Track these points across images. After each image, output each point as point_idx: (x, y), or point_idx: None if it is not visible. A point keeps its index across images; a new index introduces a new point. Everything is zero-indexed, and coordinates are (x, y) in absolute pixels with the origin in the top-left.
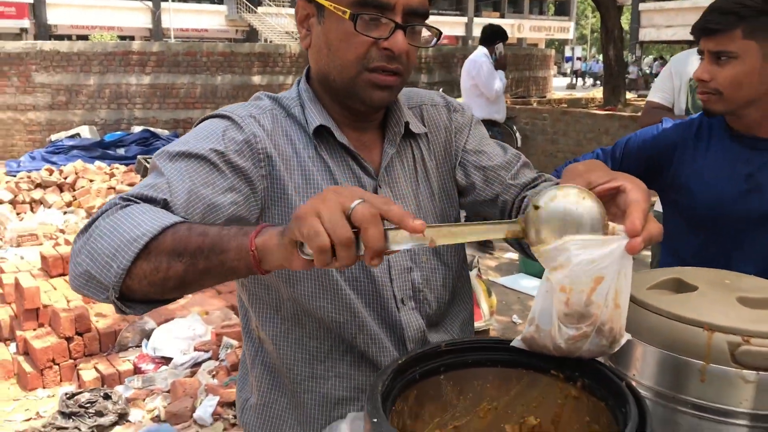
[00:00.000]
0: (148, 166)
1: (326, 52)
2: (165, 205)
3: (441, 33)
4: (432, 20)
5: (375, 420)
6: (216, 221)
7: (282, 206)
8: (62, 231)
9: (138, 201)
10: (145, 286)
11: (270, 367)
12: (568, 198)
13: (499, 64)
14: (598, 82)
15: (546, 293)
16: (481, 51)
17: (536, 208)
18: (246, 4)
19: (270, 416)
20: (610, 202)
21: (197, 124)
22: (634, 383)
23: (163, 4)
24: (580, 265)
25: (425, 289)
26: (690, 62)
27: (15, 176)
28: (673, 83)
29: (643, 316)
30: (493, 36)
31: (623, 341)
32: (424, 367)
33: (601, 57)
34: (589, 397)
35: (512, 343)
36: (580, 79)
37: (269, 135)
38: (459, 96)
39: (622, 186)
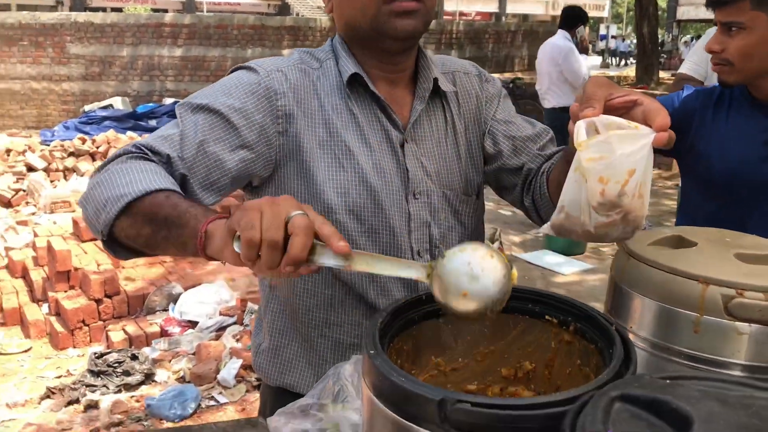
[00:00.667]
0: None
1: (346, 2)
2: (168, 160)
3: None
4: None
5: (372, 352)
6: (222, 178)
7: (298, 162)
8: None
9: (147, 152)
10: (124, 238)
11: (281, 313)
12: (475, 252)
13: (580, 47)
14: (625, 61)
15: (575, 183)
16: (562, 35)
17: (442, 257)
18: None
19: (282, 359)
20: (627, 114)
21: (228, 74)
22: (631, 335)
23: None
24: (620, 157)
25: (441, 245)
26: None
27: (49, 145)
28: (706, 56)
29: (641, 270)
30: (574, 19)
31: (642, 228)
32: (423, 309)
33: (629, 37)
34: (580, 340)
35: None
36: (614, 58)
37: (293, 89)
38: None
39: (639, 99)
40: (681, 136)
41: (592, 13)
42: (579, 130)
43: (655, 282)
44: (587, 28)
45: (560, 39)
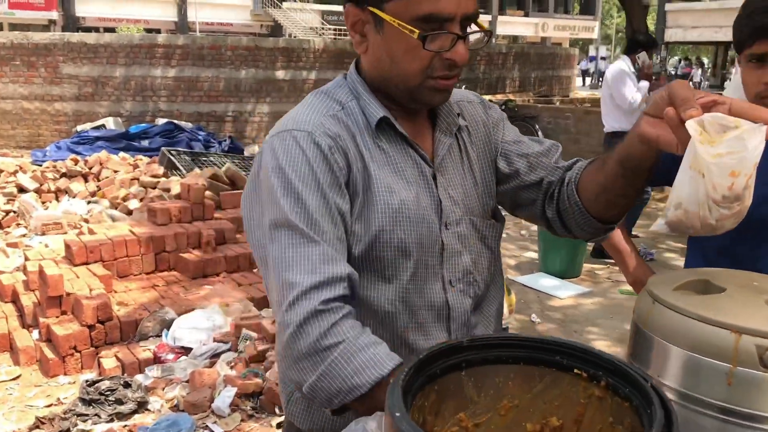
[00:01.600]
0: (171, 158)
1: (388, 62)
2: (349, 277)
3: (492, 32)
4: None
5: (397, 414)
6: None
7: (354, 206)
8: (86, 220)
9: (335, 300)
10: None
11: None
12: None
13: (642, 74)
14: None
15: (692, 179)
16: (623, 60)
17: None
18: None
19: (317, 408)
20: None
21: (278, 142)
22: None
23: None
24: (751, 151)
25: (474, 271)
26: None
27: (41, 165)
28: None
29: (668, 317)
30: (635, 45)
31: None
32: (445, 362)
33: (597, 57)
34: (612, 397)
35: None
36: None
37: (337, 140)
38: (485, 93)
39: (720, 99)
40: None
41: (582, 35)
42: (692, 129)
43: (684, 330)
44: (576, 50)
45: (618, 64)
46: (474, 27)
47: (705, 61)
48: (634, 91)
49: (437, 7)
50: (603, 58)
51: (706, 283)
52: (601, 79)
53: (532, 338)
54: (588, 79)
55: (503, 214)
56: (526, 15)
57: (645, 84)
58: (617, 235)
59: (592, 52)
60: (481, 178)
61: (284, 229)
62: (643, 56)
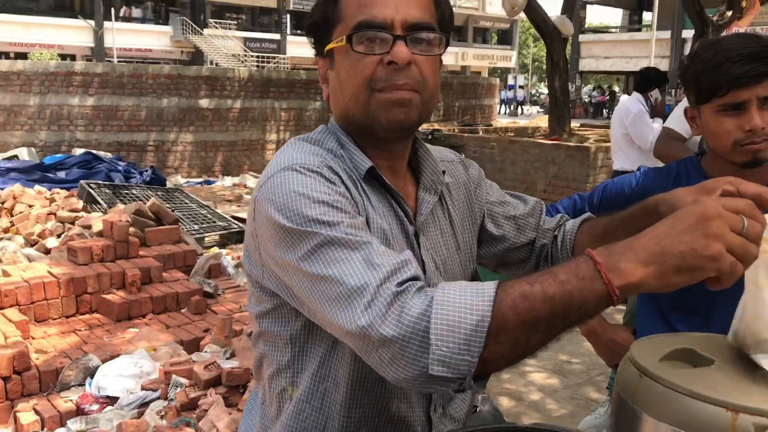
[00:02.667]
0: (91, 191)
1: (339, 90)
2: (410, 261)
3: (448, 39)
4: None
5: None
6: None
7: None
8: None
9: (409, 281)
10: (503, 364)
11: (292, 427)
12: None
13: (655, 111)
14: (521, 109)
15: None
16: (635, 97)
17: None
18: (192, 26)
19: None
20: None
21: (281, 179)
22: None
23: (106, 24)
24: None
25: None
26: None
27: None
28: None
29: (656, 391)
30: (648, 81)
31: None
32: None
33: (535, 86)
34: None
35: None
36: (522, 107)
37: (344, 182)
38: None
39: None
40: None
41: (500, 64)
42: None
43: (675, 406)
44: (498, 79)
45: (632, 102)
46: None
47: (616, 89)
48: (653, 130)
49: (370, 14)
50: (521, 87)
51: (691, 353)
52: (519, 107)
53: (527, 428)
54: (508, 107)
55: None
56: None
57: (660, 120)
58: None
59: (510, 81)
60: (463, 242)
61: (323, 248)
62: (655, 93)
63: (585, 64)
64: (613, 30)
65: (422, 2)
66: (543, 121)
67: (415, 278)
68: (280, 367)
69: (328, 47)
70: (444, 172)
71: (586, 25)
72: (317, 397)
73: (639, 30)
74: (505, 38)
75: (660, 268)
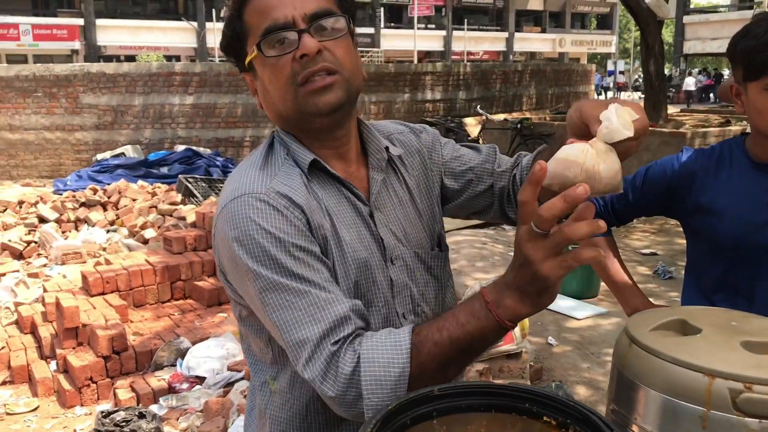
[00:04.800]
0: (188, 185)
1: (268, 96)
2: (353, 310)
3: (348, 18)
4: (472, 35)
5: None
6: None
7: (332, 252)
8: (104, 249)
9: (342, 338)
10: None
11: (278, 418)
12: None
13: None
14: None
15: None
16: None
17: None
18: None
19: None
20: None
21: (231, 211)
22: (636, 428)
23: (207, 24)
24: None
25: (422, 303)
26: None
27: (62, 194)
28: None
29: (644, 359)
30: None
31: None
32: (415, 412)
33: (637, 72)
34: None
35: None
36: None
37: (290, 197)
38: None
39: None
40: (683, 197)
41: (599, 49)
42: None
43: (659, 373)
44: (594, 65)
45: None
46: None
47: (725, 72)
48: None
49: (271, 19)
50: (621, 73)
51: (683, 323)
52: (618, 94)
53: (502, 386)
54: (609, 94)
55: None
56: (543, 31)
57: None
58: (613, 266)
59: (610, 67)
60: (424, 207)
61: (270, 292)
62: None
63: (690, 47)
64: (722, 9)
65: None
66: None
67: (348, 334)
68: (263, 364)
69: (246, 60)
70: (387, 148)
71: (691, 5)
72: (297, 388)
73: (750, 8)
74: (604, 23)
75: (530, 298)
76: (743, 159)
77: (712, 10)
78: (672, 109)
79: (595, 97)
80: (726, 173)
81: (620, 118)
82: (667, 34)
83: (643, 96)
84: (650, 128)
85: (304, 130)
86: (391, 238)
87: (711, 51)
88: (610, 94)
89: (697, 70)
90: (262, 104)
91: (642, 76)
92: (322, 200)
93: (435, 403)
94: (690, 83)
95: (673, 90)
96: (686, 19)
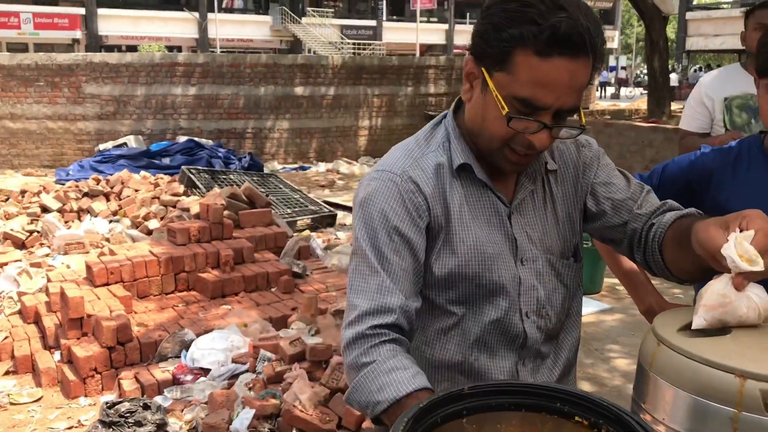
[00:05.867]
0: (191, 176)
1: (480, 120)
2: (402, 308)
3: (584, 127)
4: (461, 29)
5: None
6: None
7: (432, 244)
8: (107, 240)
9: (383, 331)
10: None
11: None
12: None
13: None
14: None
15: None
16: None
17: None
18: (290, 15)
19: None
20: None
21: (369, 180)
22: (663, 428)
23: (209, 15)
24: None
25: (547, 305)
26: (721, 81)
27: (64, 184)
28: (706, 107)
29: (673, 359)
30: None
31: None
32: (446, 410)
33: (639, 67)
34: None
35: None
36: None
37: (420, 185)
38: None
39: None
40: (701, 196)
41: None
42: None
43: (689, 373)
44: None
45: None
46: (571, 119)
47: None
48: None
49: (535, 96)
50: (623, 68)
51: None
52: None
53: (533, 385)
54: (610, 89)
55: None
56: None
57: None
58: (627, 262)
59: (612, 62)
60: (564, 216)
61: (357, 256)
62: None
63: (692, 43)
64: (725, 6)
65: (583, 84)
66: (644, 104)
67: (387, 326)
68: None
69: (487, 78)
70: (546, 163)
71: (694, 2)
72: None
73: (753, 4)
74: (607, 18)
75: None
76: (761, 157)
77: (715, 6)
78: (675, 106)
79: (596, 94)
80: (744, 171)
81: (741, 249)
82: (670, 30)
83: (645, 92)
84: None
85: (479, 153)
86: (524, 240)
87: (713, 47)
88: (610, 90)
89: (698, 66)
90: (470, 100)
91: (643, 71)
92: (459, 193)
93: (465, 401)
94: (674, 79)
95: (676, 86)
96: (689, 15)
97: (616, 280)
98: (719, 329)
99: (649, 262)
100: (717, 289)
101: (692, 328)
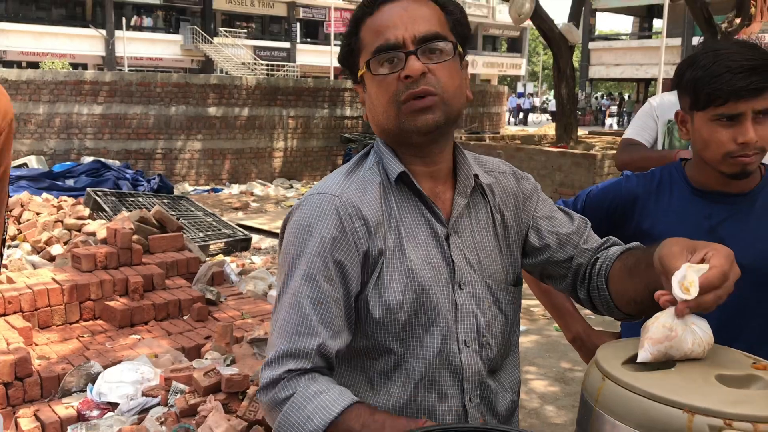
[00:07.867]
0: (97, 199)
1: (373, 109)
2: (319, 350)
3: (456, 43)
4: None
5: None
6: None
7: (368, 272)
8: (5, 266)
9: (299, 372)
10: None
11: None
12: None
13: None
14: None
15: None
16: None
17: None
18: (202, 34)
19: None
20: None
21: (303, 203)
22: None
23: (117, 33)
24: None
25: (488, 334)
26: (671, 105)
27: None
28: (656, 124)
29: (619, 394)
30: None
31: None
32: None
33: (545, 93)
34: None
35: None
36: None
37: (359, 208)
38: None
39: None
40: (624, 222)
41: (509, 72)
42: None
43: (636, 409)
44: (506, 87)
45: None
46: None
47: (625, 96)
48: None
49: (384, 38)
50: (531, 95)
51: None
52: (525, 115)
53: (480, 428)
54: (520, 115)
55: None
56: None
57: None
58: (554, 291)
59: (520, 89)
60: (505, 243)
61: (285, 285)
62: None
63: (595, 72)
64: (624, 37)
65: (430, 15)
66: (551, 129)
67: (303, 371)
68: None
69: (358, 75)
70: (476, 175)
71: (596, 33)
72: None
73: (649, 37)
74: (514, 46)
75: None
76: (683, 184)
77: (615, 37)
78: (580, 131)
79: (507, 118)
80: (666, 198)
81: (687, 278)
82: (574, 60)
83: (551, 118)
84: (562, 149)
85: (402, 145)
86: (462, 263)
87: (614, 76)
88: (531, 117)
89: (600, 93)
90: (368, 116)
91: (549, 98)
92: (395, 215)
93: None
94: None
95: (579, 113)
96: (591, 45)
97: (530, 302)
98: (663, 362)
99: (593, 297)
100: (663, 321)
101: (638, 361)
